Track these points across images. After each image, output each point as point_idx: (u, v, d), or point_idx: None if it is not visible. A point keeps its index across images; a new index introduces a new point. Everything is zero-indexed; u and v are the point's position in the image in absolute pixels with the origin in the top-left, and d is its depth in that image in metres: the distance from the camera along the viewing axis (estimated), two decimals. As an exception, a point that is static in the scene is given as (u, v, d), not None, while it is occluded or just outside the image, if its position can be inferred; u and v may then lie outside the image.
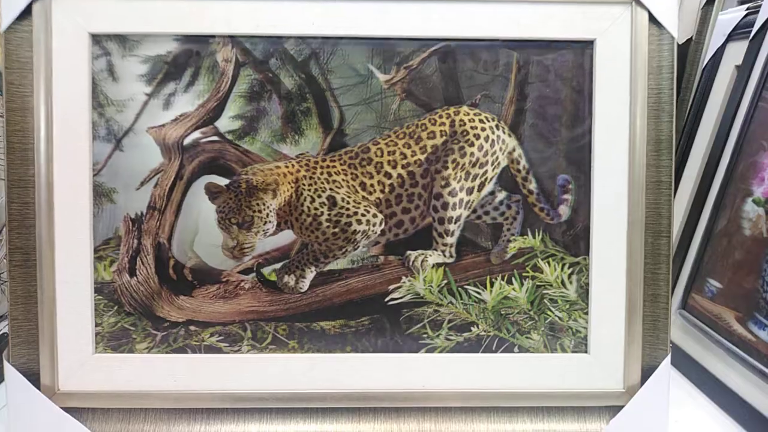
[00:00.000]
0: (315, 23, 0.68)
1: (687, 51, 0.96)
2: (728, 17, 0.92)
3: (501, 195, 0.71)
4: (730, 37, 0.91)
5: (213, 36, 0.68)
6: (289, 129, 0.69)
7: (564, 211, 0.70)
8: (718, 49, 0.92)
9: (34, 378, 0.68)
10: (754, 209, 0.75)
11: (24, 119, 0.67)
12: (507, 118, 0.70)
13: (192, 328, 0.70)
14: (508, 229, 0.71)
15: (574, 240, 0.71)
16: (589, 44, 0.69)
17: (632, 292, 0.69)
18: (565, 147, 0.70)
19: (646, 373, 0.70)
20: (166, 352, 0.70)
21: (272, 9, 0.67)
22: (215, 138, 0.69)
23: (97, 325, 0.70)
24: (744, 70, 0.84)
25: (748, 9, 0.89)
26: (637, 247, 0.69)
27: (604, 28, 0.68)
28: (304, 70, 0.69)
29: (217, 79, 0.69)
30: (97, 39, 0.67)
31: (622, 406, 0.69)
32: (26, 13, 0.66)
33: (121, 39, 0.68)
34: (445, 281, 0.70)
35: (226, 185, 0.69)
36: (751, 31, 0.84)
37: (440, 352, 0.71)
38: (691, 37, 0.96)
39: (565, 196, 0.70)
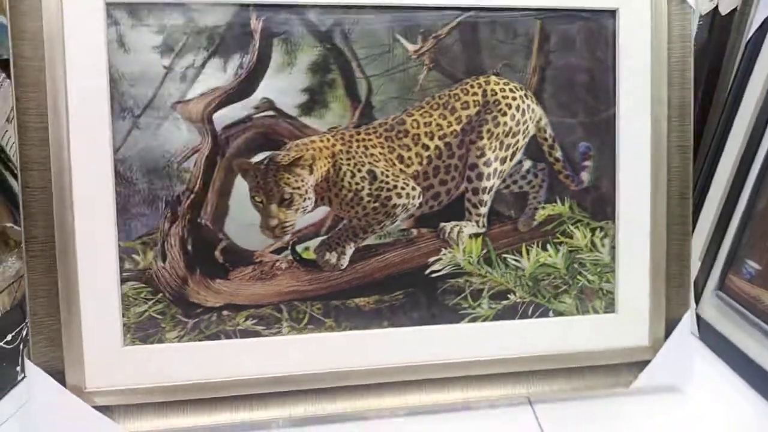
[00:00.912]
0: (342, -8, 0.66)
1: (731, 22, 0.93)
2: None
3: (527, 164, 0.72)
4: None
5: (236, 5, 0.64)
6: (315, 101, 0.67)
7: (586, 177, 0.72)
8: (764, 20, 0.85)
9: (59, 377, 0.63)
10: (797, 189, 0.73)
11: (37, 96, 0.61)
12: (531, 87, 0.71)
13: (225, 313, 0.67)
14: (534, 197, 0.72)
15: (600, 205, 0.73)
16: (611, 13, 0.71)
17: (656, 252, 0.73)
18: (589, 115, 0.72)
19: (670, 328, 0.73)
20: (199, 340, 0.67)
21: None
22: (271, 113, 0.66)
23: (123, 316, 0.65)
24: (791, 44, 0.78)
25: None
26: (660, 209, 0.72)
27: (626, -3, 0.71)
28: (329, 39, 0.67)
29: (239, 50, 0.65)
30: (111, 7, 0.62)
31: (649, 360, 0.73)
32: (33, -22, 0.60)
33: (135, 8, 0.63)
34: (484, 251, 0.71)
35: (258, 162, 0.66)
36: (800, 2, 0.79)
37: (483, 321, 0.71)
38: (736, 8, 0.93)
39: (587, 163, 0.72)
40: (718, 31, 0.70)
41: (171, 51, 0.64)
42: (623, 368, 0.73)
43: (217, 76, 0.65)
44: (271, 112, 0.67)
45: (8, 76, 0.67)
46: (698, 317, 0.85)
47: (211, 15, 0.64)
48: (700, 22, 0.97)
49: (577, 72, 0.72)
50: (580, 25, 0.71)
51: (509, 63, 0.70)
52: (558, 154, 0.72)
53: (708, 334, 0.83)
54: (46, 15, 0.60)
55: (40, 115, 0.61)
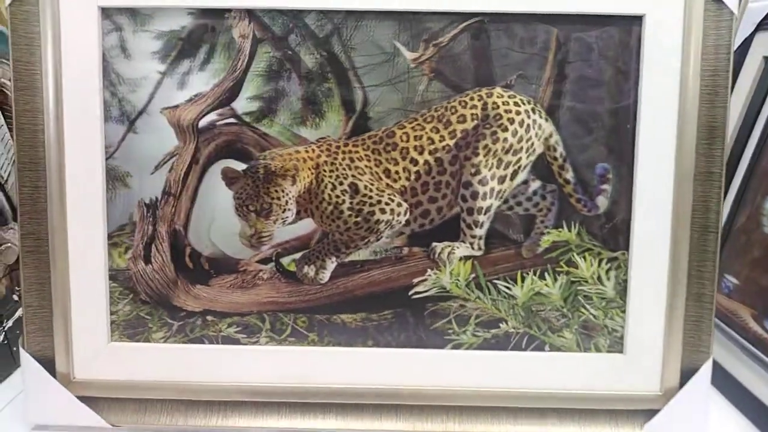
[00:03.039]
0: (338, -4, 0.63)
1: None
2: (758, 5, 0.86)
3: (535, 184, 0.66)
4: (760, 26, 0.86)
5: (229, 9, 0.63)
6: (310, 111, 0.65)
7: (602, 202, 0.65)
8: (746, 38, 0.87)
9: (49, 365, 0.67)
10: (776, 208, 0.72)
11: (33, 98, 0.63)
12: (544, 100, 0.65)
13: (209, 318, 0.68)
14: (542, 221, 0.66)
15: (613, 234, 0.66)
16: (637, 20, 0.63)
17: (674, 290, 0.65)
18: (606, 133, 0.65)
19: (686, 376, 0.65)
20: (183, 342, 0.68)
21: (292, -19, 0.62)
22: (232, 120, 0.65)
23: (112, 313, 0.68)
24: (773, 62, 0.80)
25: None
26: (682, 242, 0.64)
27: (654, 1, 0.62)
28: (325, 48, 0.64)
29: (233, 56, 0.64)
30: (107, 13, 0.63)
31: (658, 410, 0.66)
32: (32, -16, 0.62)
33: (133, 13, 0.64)
34: (473, 275, 0.66)
35: (243, 170, 0.65)
36: (782, 21, 0.78)
37: (467, 348, 0.67)
38: None
39: (604, 187, 0.65)
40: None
41: (167, 56, 0.65)
42: (627, 416, 0.66)
43: (207, 81, 0.65)
44: (233, 120, 0.66)
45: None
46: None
47: (204, 19, 0.64)
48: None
49: (596, 85, 0.64)
50: (600, 33, 0.64)
51: (524, 74, 0.65)
52: (569, 175, 0.66)
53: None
54: (43, 20, 0.62)
55: (37, 117, 0.64)
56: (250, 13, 0.63)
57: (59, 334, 0.67)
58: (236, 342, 0.68)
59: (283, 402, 0.67)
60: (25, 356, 0.66)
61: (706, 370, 0.65)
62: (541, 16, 0.63)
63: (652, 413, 0.66)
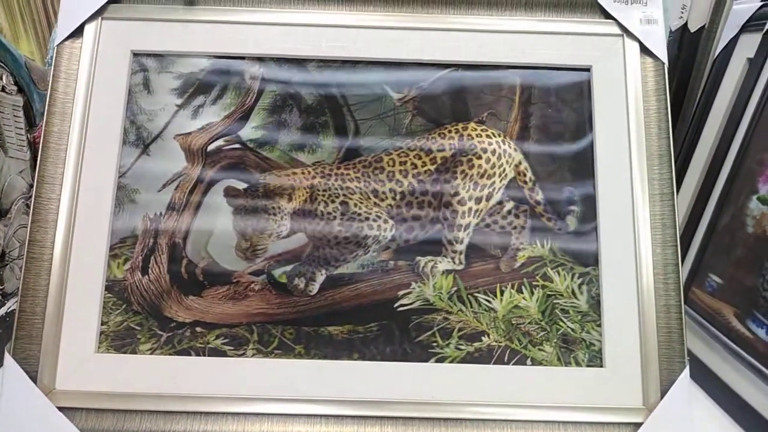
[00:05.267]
0: (337, 47, 0.74)
1: (699, 39, 0.96)
2: (743, 7, 0.89)
3: (509, 205, 0.73)
4: (744, 28, 0.87)
5: (243, 57, 0.75)
6: (307, 139, 0.73)
7: (571, 221, 0.72)
8: (730, 40, 0.89)
9: (32, 373, 0.67)
10: (759, 207, 0.75)
11: (62, 122, 0.71)
12: (513, 134, 0.74)
13: (198, 329, 0.69)
14: (517, 238, 0.72)
15: (583, 250, 0.71)
16: (586, 70, 0.75)
17: (643, 303, 0.69)
18: (569, 161, 0.73)
19: (666, 387, 0.67)
20: (170, 354, 0.69)
21: (299, 33, 0.74)
22: (237, 145, 0.73)
23: (103, 324, 0.69)
24: (756, 64, 0.82)
25: (763, 1, 0.86)
26: (645, 257, 0.70)
27: (598, 56, 0.75)
28: (323, 88, 0.74)
29: (243, 93, 0.74)
30: (137, 56, 0.74)
31: (642, 423, 0.66)
32: (78, 31, 0.73)
33: (159, 57, 0.74)
34: (455, 288, 0.70)
35: (244, 189, 0.72)
36: (765, 23, 0.83)
37: (450, 362, 0.69)
38: (704, 26, 0.95)
39: (571, 207, 0.72)
40: (686, 46, 0.73)
41: (184, 93, 0.74)
42: (612, 428, 0.66)
43: (218, 113, 0.74)
44: (238, 145, 0.74)
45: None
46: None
47: (220, 64, 0.75)
48: (670, 38, 1.00)
49: (556, 122, 0.74)
50: (558, 80, 0.75)
51: (494, 112, 0.75)
52: (539, 197, 0.73)
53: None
54: (84, 60, 0.73)
55: (62, 138, 0.71)
56: (261, 60, 0.75)
57: (48, 342, 0.67)
58: (223, 354, 0.69)
59: (266, 413, 0.66)
60: (9, 361, 0.66)
61: (683, 381, 0.67)
62: (506, 67, 0.75)
63: (637, 426, 0.66)
